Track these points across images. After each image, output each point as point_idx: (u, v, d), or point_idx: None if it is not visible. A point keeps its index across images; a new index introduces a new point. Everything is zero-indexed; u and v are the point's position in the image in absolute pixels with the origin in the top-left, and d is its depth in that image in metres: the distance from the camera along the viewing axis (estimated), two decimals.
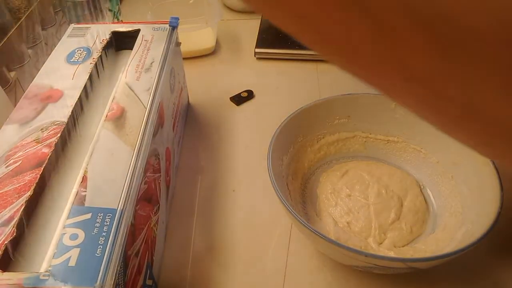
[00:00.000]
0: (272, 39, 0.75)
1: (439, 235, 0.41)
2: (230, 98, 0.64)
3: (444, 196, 0.45)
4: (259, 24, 0.80)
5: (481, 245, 0.33)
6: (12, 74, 0.57)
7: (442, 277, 0.40)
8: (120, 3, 0.73)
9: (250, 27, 0.81)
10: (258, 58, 0.73)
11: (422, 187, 0.47)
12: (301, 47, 0.73)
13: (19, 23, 0.56)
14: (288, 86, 0.65)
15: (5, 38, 0.53)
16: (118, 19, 0.70)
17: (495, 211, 0.35)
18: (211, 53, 0.74)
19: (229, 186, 0.50)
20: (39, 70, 0.44)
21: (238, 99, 0.63)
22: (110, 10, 0.66)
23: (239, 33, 0.81)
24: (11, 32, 0.54)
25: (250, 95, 0.64)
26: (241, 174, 0.52)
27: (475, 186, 0.41)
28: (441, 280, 0.40)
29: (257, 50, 0.72)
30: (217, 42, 0.76)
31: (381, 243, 0.42)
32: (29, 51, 0.61)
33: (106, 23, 0.51)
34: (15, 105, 0.56)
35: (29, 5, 0.59)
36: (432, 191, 0.47)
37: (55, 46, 0.47)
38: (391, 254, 0.41)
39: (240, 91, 0.64)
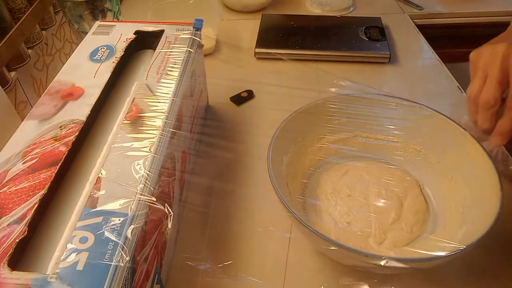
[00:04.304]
0: (272, 39, 0.75)
1: (439, 235, 0.41)
2: (230, 98, 0.64)
3: (444, 196, 0.45)
4: (259, 24, 0.80)
5: (481, 245, 0.33)
6: (12, 74, 0.57)
7: (442, 277, 0.40)
8: (120, 3, 0.73)
9: (250, 27, 0.81)
10: (258, 58, 0.73)
11: (422, 187, 0.47)
12: (301, 47, 0.73)
13: (19, 23, 0.56)
14: (288, 86, 0.65)
15: (5, 38, 0.53)
16: (118, 19, 0.70)
17: (495, 211, 0.35)
18: (211, 53, 0.74)
19: (229, 186, 0.50)
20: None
21: (238, 99, 0.63)
22: (110, 10, 0.66)
23: (239, 33, 0.81)
24: (11, 32, 0.54)
25: (250, 95, 0.64)
26: (241, 174, 0.52)
27: (475, 186, 0.41)
28: (441, 280, 0.40)
29: (257, 50, 0.73)
30: (217, 42, 0.76)
31: (381, 243, 0.42)
32: (29, 51, 0.61)
33: (131, 22, 0.51)
34: (15, 106, 0.56)
35: (29, 5, 0.59)
36: (432, 191, 0.47)
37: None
38: (391, 254, 0.41)
39: (240, 91, 0.64)
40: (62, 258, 0.27)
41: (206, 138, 0.56)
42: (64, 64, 0.45)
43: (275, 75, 0.69)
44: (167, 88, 0.41)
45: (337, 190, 0.46)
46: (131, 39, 0.47)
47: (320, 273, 0.41)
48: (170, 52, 0.45)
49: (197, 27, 0.50)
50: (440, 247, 0.39)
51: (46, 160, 0.33)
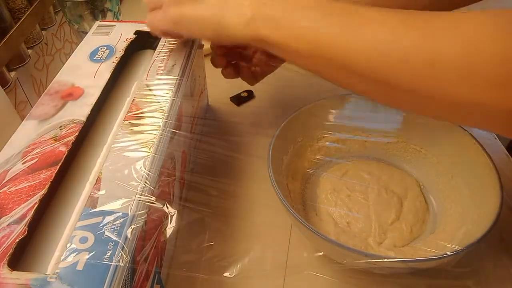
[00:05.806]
0: None
1: (439, 235, 0.41)
2: (230, 98, 0.64)
3: (444, 196, 0.45)
4: None
5: (481, 245, 0.33)
6: (12, 74, 0.57)
7: (442, 277, 0.40)
8: (120, 3, 0.73)
9: None
10: None
11: (422, 187, 0.47)
12: None
13: (19, 23, 0.56)
14: (288, 86, 0.65)
15: (5, 38, 0.53)
16: (118, 19, 0.70)
17: (495, 211, 0.35)
18: (211, 53, 0.74)
19: (229, 186, 0.50)
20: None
21: (238, 99, 0.63)
22: (110, 10, 0.66)
23: None
24: (11, 32, 0.54)
25: (250, 95, 0.64)
26: (241, 174, 0.52)
27: (475, 186, 0.41)
28: (441, 280, 0.40)
29: None
30: None
31: (381, 243, 0.42)
32: (29, 51, 0.61)
33: (131, 22, 0.51)
34: (15, 106, 0.56)
35: (29, 5, 0.59)
36: (432, 191, 0.47)
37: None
38: (391, 254, 0.41)
39: (240, 91, 0.64)
40: (62, 258, 0.26)
41: (206, 138, 0.56)
42: (64, 64, 0.45)
43: (275, 75, 0.69)
44: (167, 88, 0.40)
45: (337, 190, 0.46)
46: (131, 39, 0.47)
47: (320, 273, 0.41)
48: (170, 52, 0.45)
49: None
50: (440, 247, 0.39)
51: (46, 160, 0.33)
